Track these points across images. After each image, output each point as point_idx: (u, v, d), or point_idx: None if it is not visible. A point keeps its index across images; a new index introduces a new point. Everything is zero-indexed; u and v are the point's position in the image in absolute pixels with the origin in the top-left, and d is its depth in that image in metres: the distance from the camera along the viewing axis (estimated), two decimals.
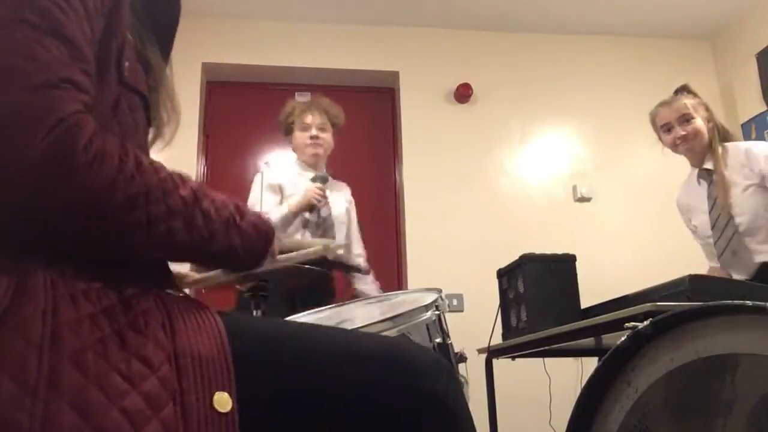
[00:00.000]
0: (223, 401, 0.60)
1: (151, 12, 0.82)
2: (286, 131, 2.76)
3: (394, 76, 3.92)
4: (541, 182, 3.81)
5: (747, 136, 3.80)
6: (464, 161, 3.76)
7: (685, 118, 2.33)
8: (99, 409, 0.54)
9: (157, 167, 0.68)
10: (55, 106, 0.59)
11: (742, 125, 3.84)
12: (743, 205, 2.23)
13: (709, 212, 2.34)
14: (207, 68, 3.73)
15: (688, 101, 2.35)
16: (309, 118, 2.65)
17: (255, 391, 0.64)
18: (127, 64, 0.73)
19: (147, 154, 0.80)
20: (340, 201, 2.69)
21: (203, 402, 0.60)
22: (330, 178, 2.65)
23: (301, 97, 3.96)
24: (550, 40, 4.06)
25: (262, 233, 0.81)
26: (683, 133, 2.32)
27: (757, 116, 3.73)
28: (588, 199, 3.79)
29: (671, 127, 2.36)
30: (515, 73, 3.98)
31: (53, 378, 0.53)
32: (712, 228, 2.32)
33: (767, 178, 2.19)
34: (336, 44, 3.88)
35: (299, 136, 2.67)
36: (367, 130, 3.97)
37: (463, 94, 3.84)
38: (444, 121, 3.83)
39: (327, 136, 2.68)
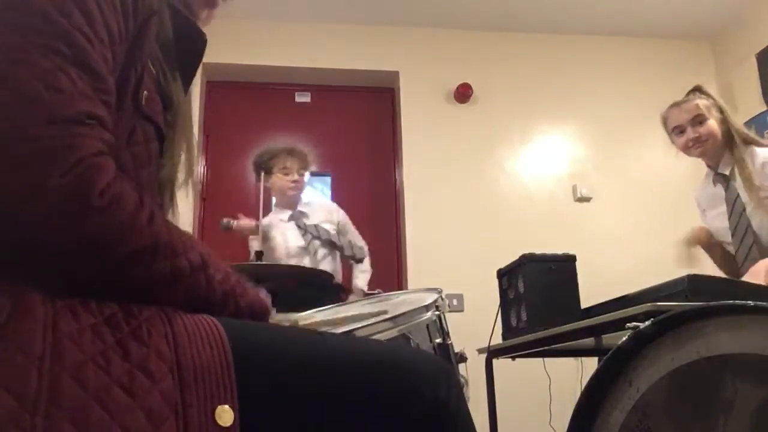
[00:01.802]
0: (225, 415, 0.59)
1: (178, 47, 0.80)
2: (266, 171, 2.96)
3: (394, 76, 3.92)
4: (541, 182, 3.81)
5: None
6: (464, 161, 3.76)
7: (698, 120, 2.20)
8: (100, 426, 0.52)
9: (170, 225, 0.67)
10: (77, 143, 0.57)
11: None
12: (757, 216, 2.12)
13: (729, 218, 2.22)
14: (207, 68, 3.73)
15: (700, 102, 2.22)
16: (289, 162, 2.92)
17: (257, 401, 0.63)
18: (145, 93, 0.71)
19: (154, 186, 0.79)
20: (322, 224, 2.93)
21: (205, 416, 0.58)
22: (310, 201, 3.02)
23: (301, 98, 3.97)
24: (550, 40, 4.07)
25: (257, 314, 0.79)
26: (695, 135, 2.19)
27: (757, 116, 3.73)
28: (588, 199, 3.80)
29: (683, 129, 2.23)
30: (515, 73, 3.98)
31: (54, 393, 0.52)
32: (733, 236, 2.20)
33: None
34: (336, 44, 3.88)
35: (281, 178, 2.92)
36: (367, 130, 3.97)
37: (463, 94, 3.84)
38: (444, 121, 3.83)
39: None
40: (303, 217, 2.92)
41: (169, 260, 0.65)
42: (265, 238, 2.85)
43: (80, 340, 0.56)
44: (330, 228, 2.91)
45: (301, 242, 2.83)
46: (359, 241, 3.01)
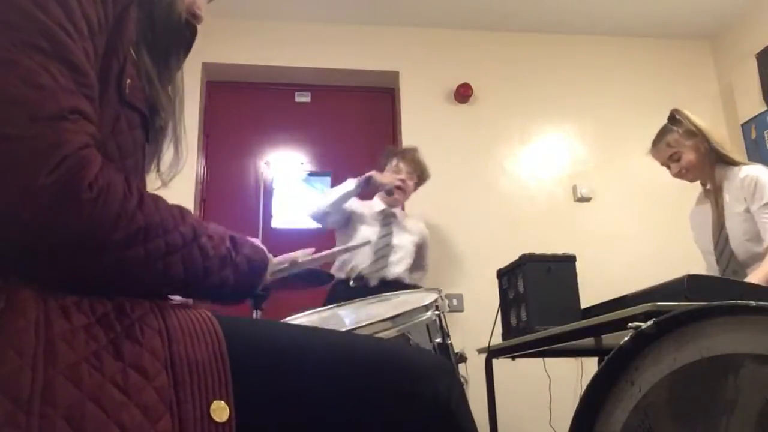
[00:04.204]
0: (220, 410, 0.60)
1: (165, 36, 0.81)
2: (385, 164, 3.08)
3: (394, 76, 3.92)
4: (541, 182, 3.81)
5: (747, 136, 3.80)
6: (464, 161, 3.76)
7: (674, 158, 2.40)
8: (95, 424, 0.53)
9: (158, 203, 0.67)
10: (61, 139, 0.57)
11: (742, 125, 3.84)
12: (734, 231, 2.32)
13: (712, 232, 2.43)
14: (207, 68, 3.73)
15: (671, 138, 2.40)
16: (402, 164, 3.00)
17: (253, 396, 0.64)
18: (128, 81, 0.71)
19: (143, 173, 0.80)
20: (406, 236, 2.97)
21: (200, 412, 0.59)
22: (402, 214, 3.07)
23: (301, 98, 3.97)
24: (550, 40, 4.06)
25: (255, 266, 0.80)
26: (677, 170, 2.41)
27: (757, 116, 3.73)
28: (588, 199, 3.79)
29: (667, 166, 2.45)
30: (515, 73, 3.98)
31: (48, 393, 0.52)
32: (714, 248, 2.40)
33: (749, 208, 2.25)
34: (336, 44, 3.88)
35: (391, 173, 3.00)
36: (367, 130, 3.96)
37: (463, 94, 3.84)
38: (444, 121, 3.83)
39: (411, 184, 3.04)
40: (391, 217, 2.97)
41: (162, 237, 0.65)
42: (347, 222, 2.92)
43: (73, 340, 0.56)
44: (411, 240, 2.97)
45: (373, 237, 2.85)
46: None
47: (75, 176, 0.57)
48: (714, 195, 2.40)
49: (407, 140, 3.78)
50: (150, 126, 0.78)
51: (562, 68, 4.02)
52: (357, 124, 3.94)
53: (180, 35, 0.85)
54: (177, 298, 0.76)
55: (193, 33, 0.89)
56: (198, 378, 0.60)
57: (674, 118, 2.42)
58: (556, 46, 4.06)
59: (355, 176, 2.92)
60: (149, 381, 0.57)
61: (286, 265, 0.94)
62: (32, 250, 0.59)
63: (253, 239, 0.83)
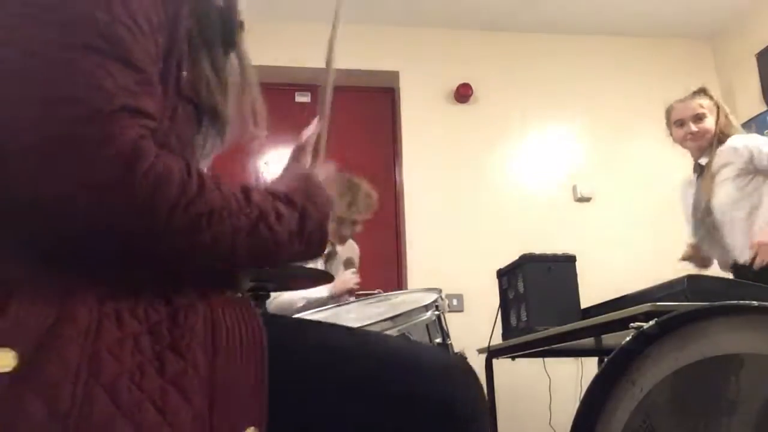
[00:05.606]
0: None
1: (213, 38, 0.82)
2: None
3: (394, 76, 3.92)
4: (541, 182, 3.81)
5: None
6: (464, 161, 3.76)
7: (698, 117, 2.50)
8: None
9: (220, 186, 0.65)
10: (114, 134, 0.57)
11: (742, 125, 3.82)
12: (719, 196, 2.42)
13: (693, 201, 2.56)
14: None
15: (703, 101, 2.53)
16: None
17: (278, 412, 0.64)
18: (185, 73, 0.71)
19: (197, 163, 0.79)
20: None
21: None
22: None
23: (301, 98, 3.96)
24: (550, 40, 4.06)
25: (321, 236, 0.76)
26: (695, 129, 2.49)
27: (757, 116, 3.73)
28: (588, 199, 3.79)
29: (684, 123, 2.54)
30: (515, 73, 3.98)
31: (85, 407, 0.52)
32: (692, 216, 2.55)
33: (754, 161, 2.34)
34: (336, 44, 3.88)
35: None
36: (367, 130, 3.96)
37: (463, 94, 3.84)
38: (444, 121, 3.83)
39: None
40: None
41: (227, 220, 0.64)
42: None
43: (120, 352, 0.56)
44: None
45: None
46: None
47: (129, 169, 0.57)
48: (703, 169, 2.51)
49: (407, 140, 3.78)
50: (201, 118, 0.78)
51: (562, 68, 4.02)
52: (357, 124, 3.94)
53: (231, 27, 0.86)
54: None
55: (241, 25, 0.91)
56: (235, 402, 0.60)
57: (707, 92, 2.56)
58: (556, 46, 4.06)
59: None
60: (186, 401, 0.57)
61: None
62: (89, 245, 0.59)
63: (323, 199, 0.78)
